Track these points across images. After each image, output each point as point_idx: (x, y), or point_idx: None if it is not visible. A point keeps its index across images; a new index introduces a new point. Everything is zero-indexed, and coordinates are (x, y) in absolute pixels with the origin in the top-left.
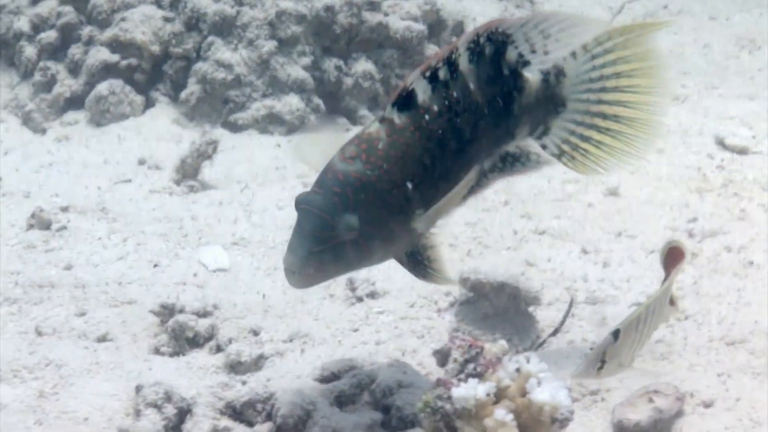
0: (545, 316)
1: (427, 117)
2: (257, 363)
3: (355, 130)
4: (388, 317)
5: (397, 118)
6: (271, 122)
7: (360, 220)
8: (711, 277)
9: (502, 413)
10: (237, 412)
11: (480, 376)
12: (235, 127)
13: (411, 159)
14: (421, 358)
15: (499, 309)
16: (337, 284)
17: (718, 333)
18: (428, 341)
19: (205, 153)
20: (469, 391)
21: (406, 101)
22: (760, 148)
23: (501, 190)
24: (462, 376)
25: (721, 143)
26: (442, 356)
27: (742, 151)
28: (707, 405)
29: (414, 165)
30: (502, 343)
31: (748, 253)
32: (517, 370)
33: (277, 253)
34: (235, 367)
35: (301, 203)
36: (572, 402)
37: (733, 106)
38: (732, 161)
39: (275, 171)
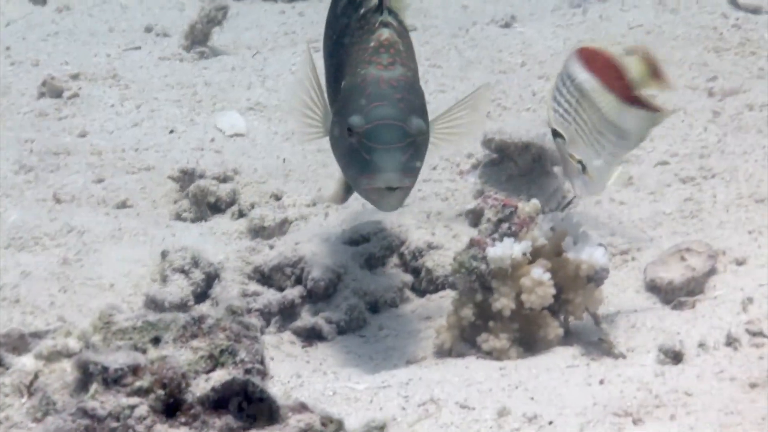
0: None
1: (393, 12)
2: (281, 227)
3: None
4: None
5: (392, 20)
6: None
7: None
8: (735, 135)
9: (539, 272)
10: (265, 276)
11: (515, 235)
12: None
13: (412, 51)
14: (447, 221)
15: (524, 170)
16: None
17: (746, 190)
18: (452, 204)
19: (215, 18)
20: (505, 251)
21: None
22: None
23: (517, 51)
24: (496, 235)
25: (734, 2)
26: (474, 216)
27: (755, 10)
28: (740, 262)
29: (414, 55)
30: (535, 202)
31: None
32: (552, 229)
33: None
34: (259, 232)
35: (367, 121)
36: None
37: None
38: (746, 20)
39: (285, 36)
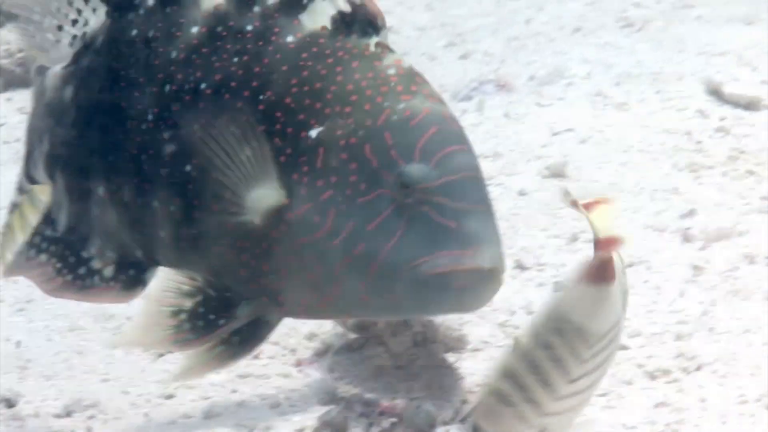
0: (472, 368)
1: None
2: None
3: None
4: (218, 375)
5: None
6: None
7: None
8: (729, 303)
9: None
10: None
11: None
12: None
13: None
14: None
15: (401, 358)
16: None
17: (752, 390)
18: (287, 412)
19: None
20: None
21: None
22: None
23: None
24: None
25: (717, 93)
26: (333, 430)
27: (750, 104)
28: None
29: None
30: (429, 409)
31: None
32: None
33: None
34: None
35: (444, 172)
36: None
37: (723, 35)
38: (738, 120)
39: (5, 146)
